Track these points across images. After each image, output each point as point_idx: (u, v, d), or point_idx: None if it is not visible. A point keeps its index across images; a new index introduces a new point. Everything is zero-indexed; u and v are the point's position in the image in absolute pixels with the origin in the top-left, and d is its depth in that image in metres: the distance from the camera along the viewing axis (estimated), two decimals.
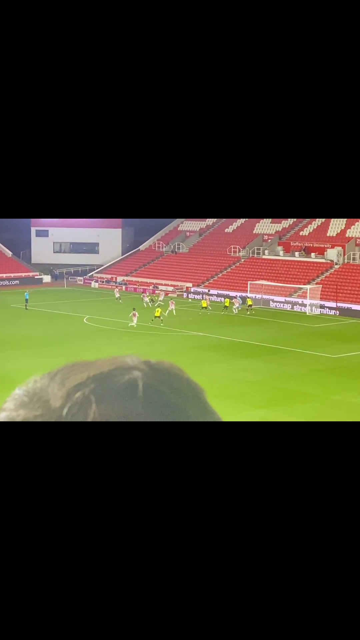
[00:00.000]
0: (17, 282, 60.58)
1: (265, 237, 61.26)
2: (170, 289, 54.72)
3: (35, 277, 63.02)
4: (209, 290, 52.99)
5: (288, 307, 47.56)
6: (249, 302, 45.61)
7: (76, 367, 0.59)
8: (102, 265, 66.04)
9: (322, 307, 46.73)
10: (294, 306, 47.28)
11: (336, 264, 54.34)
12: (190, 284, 56.78)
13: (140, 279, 60.12)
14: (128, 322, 39.41)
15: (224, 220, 65.47)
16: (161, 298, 48.15)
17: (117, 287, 54.23)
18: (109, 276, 62.65)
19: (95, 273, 64.45)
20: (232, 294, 49.08)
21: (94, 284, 61.05)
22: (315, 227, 60.07)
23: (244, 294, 48.65)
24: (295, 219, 61.32)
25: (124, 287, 55.39)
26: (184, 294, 54.35)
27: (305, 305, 47.05)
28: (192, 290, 54.86)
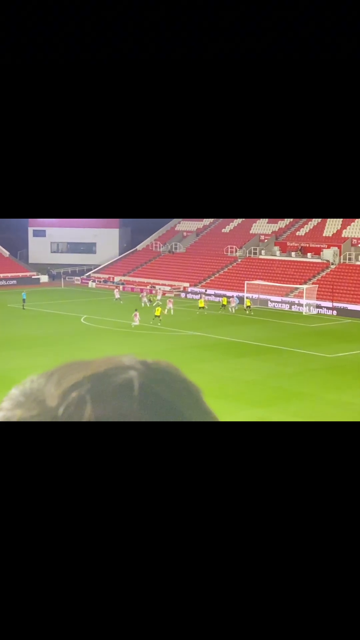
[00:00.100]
0: (14, 282, 60.56)
1: (262, 237, 61.35)
2: (168, 288, 54.79)
3: (33, 277, 63.00)
4: (206, 290, 53.09)
5: (286, 307, 47.64)
6: (248, 302, 45.72)
7: (73, 366, 0.59)
8: (100, 265, 66.04)
9: (318, 307, 46.86)
10: (292, 306, 47.39)
11: (332, 264, 54.46)
12: (187, 284, 56.86)
13: (137, 279, 60.16)
14: (131, 322, 39.48)
15: (220, 220, 65.50)
16: (159, 297, 48.23)
17: (116, 287, 54.23)
18: (107, 276, 62.67)
19: (93, 273, 64.46)
20: (229, 293, 49.16)
21: (91, 284, 61.06)
22: (311, 228, 60.19)
23: (240, 294, 48.76)
24: (291, 219, 61.43)
25: (121, 287, 55.41)
26: (181, 293, 54.44)
27: (301, 305, 47.18)
28: (189, 290, 54.95)
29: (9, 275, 61.64)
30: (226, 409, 21.73)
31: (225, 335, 36.97)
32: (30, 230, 70.82)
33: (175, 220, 68.74)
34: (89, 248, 70.03)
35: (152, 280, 58.49)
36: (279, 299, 48.83)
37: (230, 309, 45.79)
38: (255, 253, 59.24)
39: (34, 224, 70.12)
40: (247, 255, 59.30)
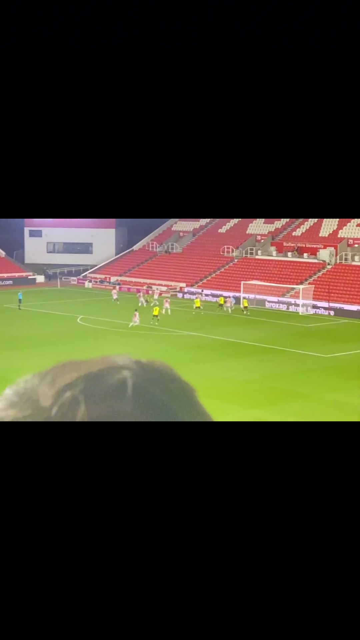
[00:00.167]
0: (10, 282, 60.45)
1: (258, 237, 61.38)
2: (164, 289, 54.77)
3: (29, 277, 62.90)
4: (202, 291, 53.11)
5: (283, 307, 47.69)
6: (245, 303, 45.77)
7: (66, 366, 0.59)
8: (96, 266, 65.99)
9: (314, 307, 46.92)
10: (290, 306, 47.44)
11: (328, 264, 54.53)
12: (183, 284, 56.86)
13: (134, 279, 60.12)
14: (128, 322, 39.47)
15: (217, 220, 65.56)
16: (155, 297, 48.23)
17: (113, 287, 54.14)
18: (103, 276, 62.62)
19: (89, 273, 64.40)
20: (225, 294, 49.20)
21: (87, 284, 60.99)
22: (307, 228, 60.24)
23: (237, 294, 48.79)
24: (288, 220, 61.49)
25: (117, 287, 55.37)
26: (178, 293, 54.44)
27: (298, 305, 47.23)
28: (186, 290, 54.95)
29: (5, 275, 61.53)
30: (222, 409, 21.72)
31: (222, 336, 36.96)
32: (27, 230, 70.70)
33: (171, 221, 68.73)
34: (85, 248, 69.94)
35: (148, 281, 58.46)
36: (275, 299, 48.87)
37: (226, 309, 45.82)
38: (251, 253, 59.26)
39: (30, 224, 70.01)
40: (244, 255, 59.33)
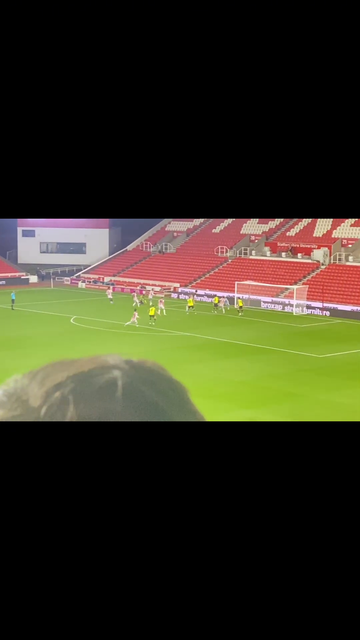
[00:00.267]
0: (3, 282, 60.26)
1: (252, 237, 61.39)
2: (158, 289, 54.70)
3: (22, 277, 62.72)
4: (196, 291, 53.07)
5: (279, 307, 47.71)
6: (240, 303, 45.74)
7: (57, 366, 0.58)
8: (90, 266, 65.86)
9: (309, 307, 46.94)
10: (285, 307, 47.44)
11: (322, 264, 54.58)
12: (177, 284, 56.79)
13: (127, 279, 60.03)
14: (130, 323, 39.41)
15: (211, 220, 65.52)
16: (150, 297, 48.16)
17: (108, 287, 53.98)
18: (97, 276, 62.50)
19: (83, 273, 64.27)
20: (219, 294, 49.18)
21: (81, 284, 60.86)
22: (301, 228, 60.29)
23: (231, 294, 48.78)
24: (282, 220, 61.52)
25: (111, 287, 55.23)
26: (172, 294, 54.37)
27: (292, 305, 47.24)
28: (179, 291, 54.89)
29: None
30: (216, 409, 21.65)
31: (216, 336, 36.92)
32: (20, 230, 70.50)
33: (165, 221, 68.66)
34: (79, 248, 69.79)
35: (142, 281, 58.38)
36: (269, 299, 48.88)
37: (219, 308, 45.82)
38: (245, 253, 59.27)
39: (23, 224, 69.81)
40: (238, 255, 59.33)
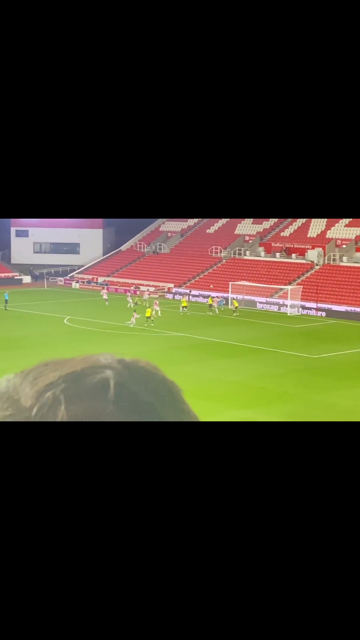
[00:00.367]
0: None
1: (247, 237, 61.39)
2: (152, 289, 54.59)
3: (15, 277, 62.52)
4: (190, 291, 52.99)
5: (274, 308, 47.68)
6: (235, 304, 45.70)
7: (49, 366, 0.58)
8: (83, 266, 65.70)
9: (303, 307, 46.93)
10: (281, 307, 47.41)
11: (317, 264, 54.60)
12: (171, 285, 56.71)
13: (121, 280, 59.91)
14: (130, 323, 39.35)
15: (205, 220, 65.46)
16: (145, 298, 48.05)
17: (104, 288, 53.77)
18: (90, 277, 62.35)
19: (76, 274, 64.11)
20: (213, 294, 49.13)
21: (74, 285, 60.71)
22: (296, 228, 60.32)
23: (225, 295, 48.73)
24: (276, 220, 61.53)
25: (105, 287, 55.06)
26: (166, 294, 54.28)
27: (286, 306, 47.22)
28: (173, 291, 54.80)
29: None
30: (210, 409, 21.58)
31: (210, 336, 36.86)
32: (13, 230, 70.28)
33: (159, 221, 68.58)
34: (73, 248, 69.61)
35: (136, 281, 58.28)
36: (263, 299, 48.85)
37: (213, 308, 45.77)
38: (239, 254, 59.25)
39: (16, 224, 69.59)
40: (232, 256, 59.29)
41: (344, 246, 55.88)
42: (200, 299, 50.36)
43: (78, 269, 65.48)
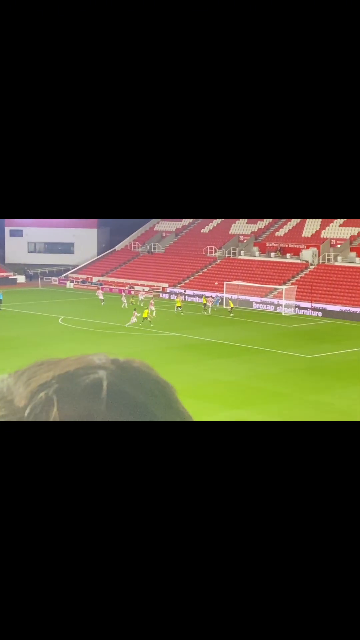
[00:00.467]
0: None
1: (241, 237, 61.40)
2: (147, 289, 54.52)
3: (9, 277, 62.37)
4: (185, 291, 52.97)
5: (271, 308, 47.69)
6: (231, 304, 45.68)
7: (43, 366, 0.58)
8: (78, 266, 65.58)
9: (297, 307, 46.97)
10: (277, 307, 47.42)
11: (311, 264, 54.66)
12: (166, 284, 56.66)
13: (116, 279, 59.83)
14: (131, 323, 39.35)
15: (200, 220, 65.46)
16: (141, 298, 47.98)
17: (99, 288, 53.62)
18: (85, 276, 62.24)
19: (71, 273, 63.99)
20: (208, 294, 49.12)
21: (69, 285, 60.60)
22: (290, 228, 60.37)
23: (220, 294, 48.73)
24: (271, 220, 61.56)
25: (101, 287, 54.94)
26: (161, 294, 54.22)
27: (281, 305, 47.25)
28: (168, 291, 54.76)
29: None
30: (204, 409, 21.55)
31: (205, 336, 36.85)
32: (7, 229, 70.11)
33: (154, 221, 68.52)
34: (67, 248, 69.49)
35: (131, 281, 58.20)
36: (258, 299, 48.87)
37: (206, 308, 45.76)
38: (234, 253, 59.25)
39: (10, 224, 69.41)
40: (227, 255, 59.29)
41: (339, 246, 55.96)
42: (196, 299, 50.36)
43: (72, 268, 65.36)
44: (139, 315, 39.56)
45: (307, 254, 55.39)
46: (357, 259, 53.04)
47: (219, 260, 59.01)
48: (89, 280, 60.67)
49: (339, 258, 53.98)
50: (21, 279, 62.99)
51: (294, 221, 60.35)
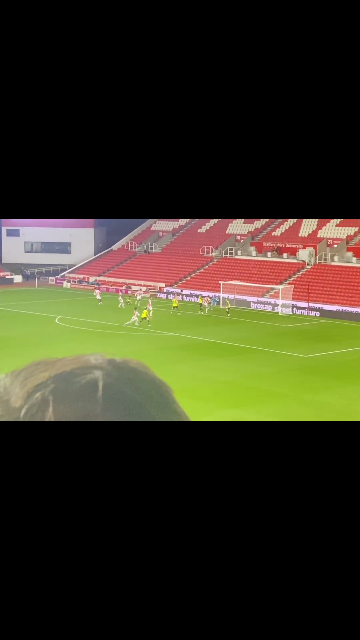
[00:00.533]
0: None
1: (238, 237, 61.43)
2: (144, 289, 54.51)
3: (6, 277, 62.30)
4: (182, 291, 52.98)
5: (268, 307, 47.71)
6: (228, 304, 45.70)
7: (40, 366, 0.58)
8: (75, 265, 65.53)
9: (294, 307, 47.01)
10: (275, 307, 47.45)
11: (308, 264, 54.71)
12: (163, 284, 56.66)
13: (113, 279, 59.81)
14: (133, 323, 39.39)
15: (196, 220, 65.47)
16: (139, 298, 47.98)
17: (97, 288, 53.56)
18: (81, 276, 62.20)
19: (68, 273, 63.94)
20: (204, 294, 49.14)
21: (65, 284, 60.55)
22: (287, 228, 60.42)
23: (217, 294, 48.74)
24: (267, 220, 61.60)
25: (98, 287, 54.91)
26: (157, 294, 54.21)
27: (278, 305, 47.29)
28: (165, 291, 54.75)
29: None
30: (201, 409, 21.56)
31: (202, 336, 36.85)
32: (4, 229, 70.06)
33: (150, 220, 68.51)
34: (64, 248, 69.44)
35: (127, 281, 58.18)
36: (255, 299, 48.90)
37: (203, 307, 45.78)
38: (231, 253, 59.27)
39: (7, 224, 69.35)
40: (223, 255, 59.31)
41: (335, 246, 56.03)
42: (193, 299, 50.38)
43: (69, 268, 65.32)
44: (139, 315, 39.56)
45: (304, 254, 55.44)
46: (354, 258, 53.11)
47: (215, 260, 59.03)
48: (86, 280, 60.63)
49: (336, 258, 54.05)
50: (18, 278, 62.94)
51: (291, 221, 60.40)
